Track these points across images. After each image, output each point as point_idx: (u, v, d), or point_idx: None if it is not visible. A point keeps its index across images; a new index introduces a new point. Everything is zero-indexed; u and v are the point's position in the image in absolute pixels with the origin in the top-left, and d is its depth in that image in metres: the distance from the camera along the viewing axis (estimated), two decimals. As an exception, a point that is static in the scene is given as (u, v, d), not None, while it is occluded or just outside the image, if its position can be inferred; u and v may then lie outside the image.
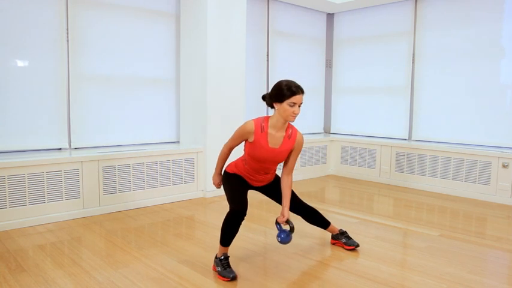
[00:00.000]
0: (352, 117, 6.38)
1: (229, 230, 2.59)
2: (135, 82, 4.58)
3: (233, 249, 2.99)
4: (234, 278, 2.53)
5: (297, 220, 3.65)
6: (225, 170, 2.81)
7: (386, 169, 5.57)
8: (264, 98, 2.64)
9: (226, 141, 2.74)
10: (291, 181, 2.72)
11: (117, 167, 4.02)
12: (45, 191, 3.61)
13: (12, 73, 3.79)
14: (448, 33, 5.25)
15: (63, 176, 3.70)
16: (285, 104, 2.47)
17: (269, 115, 2.64)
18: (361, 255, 2.96)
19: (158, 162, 4.30)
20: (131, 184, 4.13)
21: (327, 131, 6.74)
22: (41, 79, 3.95)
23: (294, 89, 2.47)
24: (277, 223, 2.72)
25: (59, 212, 3.69)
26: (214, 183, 2.85)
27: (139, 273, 2.62)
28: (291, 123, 2.64)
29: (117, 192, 4.03)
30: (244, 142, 2.68)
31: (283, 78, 2.62)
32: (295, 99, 2.46)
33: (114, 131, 4.47)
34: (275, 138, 2.59)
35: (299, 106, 2.50)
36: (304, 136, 3.08)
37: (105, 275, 2.58)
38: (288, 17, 6.01)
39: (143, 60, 4.62)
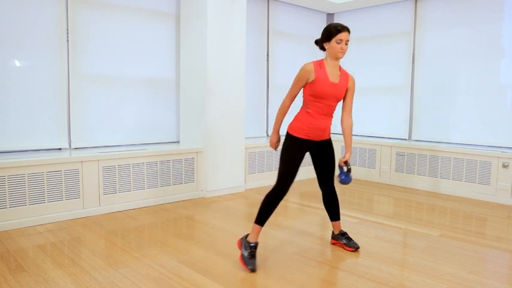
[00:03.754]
0: (352, 117, 6.36)
1: (271, 206, 2.70)
2: (135, 82, 4.58)
3: (233, 249, 2.99)
4: (252, 271, 2.61)
5: (298, 220, 3.65)
6: (287, 132, 2.83)
7: (387, 169, 5.56)
8: (316, 42, 2.85)
9: (285, 96, 2.82)
10: (352, 122, 2.98)
11: (117, 167, 4.02)
12: (45, 191, 3.61)
13: (12, 73, 3.79)
14: (448, 33, 5.25)
15: (63, 176, 3.70)
16: (333, 42, 2.70)
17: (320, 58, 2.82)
18: (361, 255, 2.96)
19: (158, 162, 4.30)
20: (131, 184, 4.13)
21: (327, 131, 6.73)
22: (41, 79, 3.95)
23: (339, 27, 2.70)
24: (339, 165, 2.86)
25: (59, 212, 3.69)
26: (271, 144, 2.91)
27: (139, 273, 2.62)
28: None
29: (117, 192, 4.03)
30: (302, 91, 2.79)
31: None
32: (341, 36, 2.68)
33: (114, 131, 4.46)
34: (333, 74, 2.77)
35: (346, 43, 2.71)
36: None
37: (105, 275, 2.58)
38: (288, 17, 6.01)
39: (143, 60, 4.62)
